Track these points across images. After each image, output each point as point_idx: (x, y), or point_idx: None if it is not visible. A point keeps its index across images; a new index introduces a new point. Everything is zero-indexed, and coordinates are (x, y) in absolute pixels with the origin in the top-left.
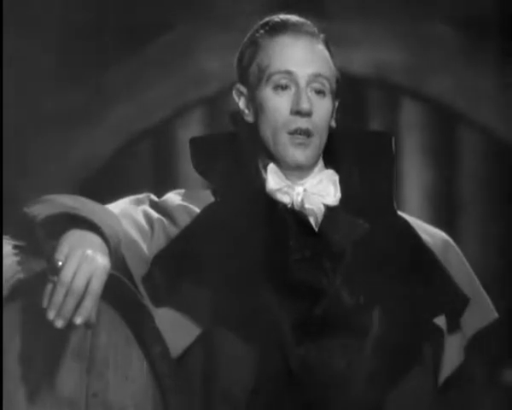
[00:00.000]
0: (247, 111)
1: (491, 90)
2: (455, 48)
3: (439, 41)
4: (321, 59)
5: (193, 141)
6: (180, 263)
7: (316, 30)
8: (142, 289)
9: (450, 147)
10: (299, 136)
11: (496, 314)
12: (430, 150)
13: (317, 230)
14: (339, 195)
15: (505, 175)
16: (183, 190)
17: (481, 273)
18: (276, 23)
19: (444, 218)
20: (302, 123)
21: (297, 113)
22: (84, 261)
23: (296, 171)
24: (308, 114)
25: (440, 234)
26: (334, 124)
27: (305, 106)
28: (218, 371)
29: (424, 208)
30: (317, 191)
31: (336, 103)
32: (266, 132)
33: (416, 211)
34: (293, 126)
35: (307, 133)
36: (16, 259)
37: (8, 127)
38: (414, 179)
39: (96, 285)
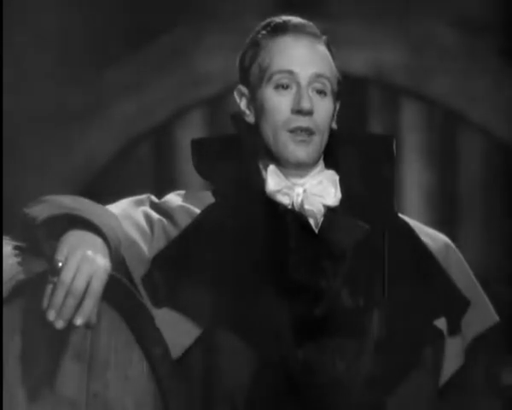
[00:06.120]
0: (248, 112)
1: (492, 91)
2: (455, 48)
3: (440, 42)
4: (322, 60)
5: (194, 142)
6: (180, 264)
7: (318, 31)
8: (141, 289)
9: (450, 147)
10: (301, 133)
11: (497, 318)
12: (430, 151)
13: (316, 231)
14: (339, 195)
15: (505, 175)
16: (183, 192)
17: (482, 274)
18: (278, 24)
19: (444, 218)
20: (303, 122)
21: (298, 112)
22: (84, 262)
23: (297, 169)
24: (309, 113)
25: (441, 237)
26: (335, 125)
27: (306, 105)
28: (217, 372)
29: (424, 209)
30: (316, 192)
31: (338, 105)
32: (267, 132)
33: (415, 212)
34: (294, 125)
35: (308, 131)
36: (17, 259)
37: (8, 127)
38: (414, 180)
39: (97, 286)
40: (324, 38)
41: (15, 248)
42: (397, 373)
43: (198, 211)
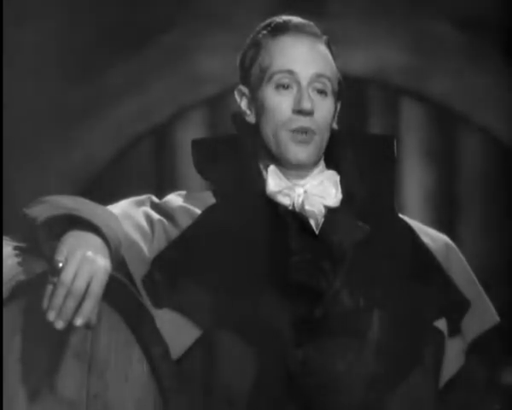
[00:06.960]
0: (248, 112)
1: (492, 91)
2: (455, 48)
3: (440, 41)
4: (323, 59)
5: (195, 143)
6: (180, 264)
7: (318, 31)
8: (142, 290)
9: (450, 147)
10: (301, 134)
11: (497, 318)
12: (430, 151)
13: (317, 232)
14: (340, 196)
15: (505, 175)
16: (184, 192)
17: (482, 274)
18: (279, 24)
19: (444, 218)
20: (304, 122)
21: (299, 112)
22: (84, 263)
23: (297, 170)
24: (310, 114)
25: (442, 237)
26: (335, 126)
27: (306, 105)
28: (217, 373)
29: (424, 209)
30: (317, 192)
31: (338, 105)
32: (268, 132)
33: (416, 212)
34: (295, 125)
35: (309, 131)
36: (17, 260)
37: (8, 127)
38: (414, 180)
39: (97, 287)
40: (325, 37)
41: (15, 248)
42: (397, 373)
43: (199, 211)
